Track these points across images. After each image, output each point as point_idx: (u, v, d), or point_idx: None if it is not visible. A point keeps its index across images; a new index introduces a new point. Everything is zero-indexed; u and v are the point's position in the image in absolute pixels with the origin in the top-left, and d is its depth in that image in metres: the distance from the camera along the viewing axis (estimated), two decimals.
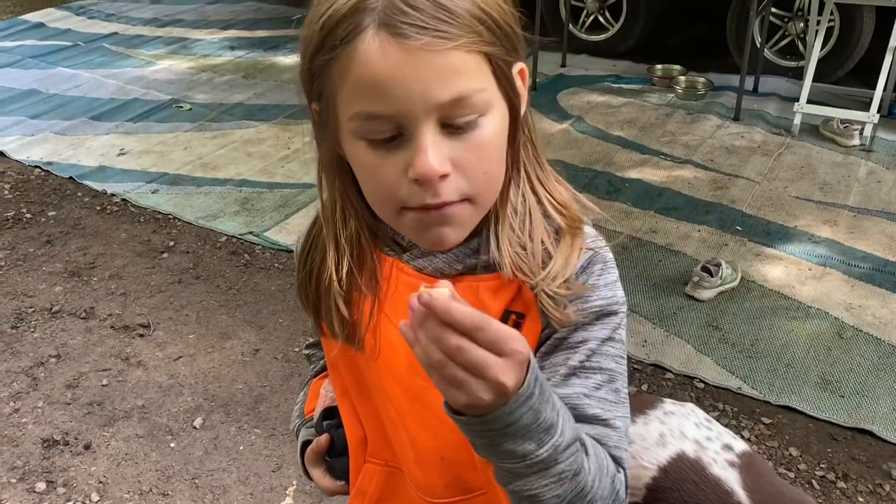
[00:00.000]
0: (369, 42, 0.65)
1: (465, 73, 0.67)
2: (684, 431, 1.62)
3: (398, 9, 0.64)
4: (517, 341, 0.61)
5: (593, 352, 0.79)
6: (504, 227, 0.79)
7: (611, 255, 0.82)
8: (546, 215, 0.80)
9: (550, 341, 0.79)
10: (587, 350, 0.78)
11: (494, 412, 0.62)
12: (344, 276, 0.83)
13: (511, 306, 0.80)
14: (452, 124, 0.68)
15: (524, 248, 0.79)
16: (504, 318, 0.79)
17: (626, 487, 0.78)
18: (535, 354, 0.76)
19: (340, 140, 0.74)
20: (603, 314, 0.79)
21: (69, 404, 2.62)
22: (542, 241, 0.79)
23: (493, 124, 0.71)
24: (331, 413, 1.04)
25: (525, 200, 0.80)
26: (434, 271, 0.81)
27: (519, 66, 0.74)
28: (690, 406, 1.63)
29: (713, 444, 1.62)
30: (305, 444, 1.04)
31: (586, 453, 0.70)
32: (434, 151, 0.67)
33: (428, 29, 0.64)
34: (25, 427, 2.52)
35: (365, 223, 0.82)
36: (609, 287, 0.80)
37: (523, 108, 0.77)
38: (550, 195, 0.82)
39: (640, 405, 1.59)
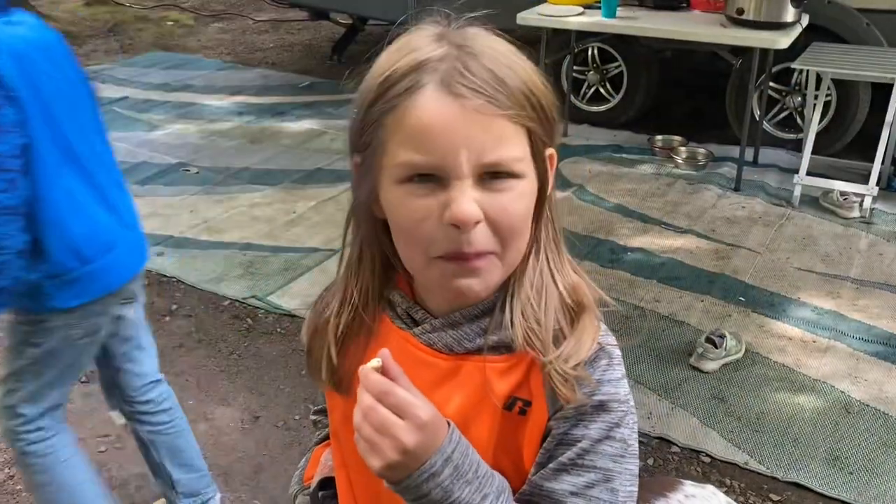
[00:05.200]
0: (428, 96, 0.71)
1: (508, 140, 0.73)
2: None
3: (459, 72, 0.71)
4: (419, 408, 0.70)
5: (586, 451, 0.79)
6: (519, 299, 0.81)
7: (618, 351, 0.83)
8: (560, 296, 0.82)
9: (551, 438, 0.80)
10: (580, 449, 0.79)
11: (405, 481, 0.70)
12: (342, 322, 0.87)
13: (518, 392, 0.80)
14: (489, 181, 0.73)
15: (538, 324, 0.79)
16: (510, 405, 0.80)
17: None
18: (540, 453, 0.80)
19: (379, 188, 0.77)
20: (602, 409, 0.80)
21: None
22: (557, 321, 0.80)
23: (523, 192, 0.75)
24: (328, 483, 1.03)
25: (542, 278, 0.82)
26: (444, 347, 0.82)
27: (550, 151, 0.79)
28: (711, 489, 1.61)
29: None
30: None
31: None
32: (467, 199, 0.72)
33: (483, 94, 0.70)
34: (20, 495, 2.46)
35: (377, 279, 0.86)
36: (612, 384, 0.81)
37: (549, 189, 0.80)
38: (564, 277, 0.83)
39: (659, 488, 1.57)
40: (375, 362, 0.72)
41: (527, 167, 0.76)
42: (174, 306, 3.39)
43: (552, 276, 0.83)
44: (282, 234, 3.98)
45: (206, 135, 5.39)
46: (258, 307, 3.35)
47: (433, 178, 0.73)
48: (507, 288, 0.81)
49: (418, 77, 0.72)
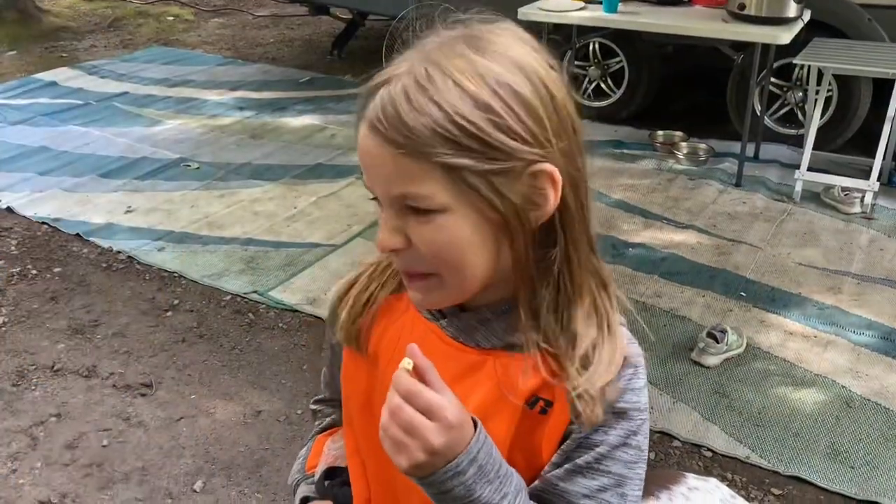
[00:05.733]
0: (363, 126, 0.76)
1: (411, 178, 0.73)
2: None
3: (380, 108, 0.74)
4: (447, 409, 0.71)
5: (603, 456, 0.81)
6: (540, 316, 0.81)
7: (643, 360, 0.85)
8: (587, 315, 0.82)
9: (570, 440, 0.82)
10: (598, 453, 0.80)
11: (430, 477, 0.72)
12: (372, 292, 0.93)
13: (540, 392, 0.81)
14: (413, 213, 0.75)
15: (563, 342, 0.80)
16: (532, 403, 0.81)
17: None
18: (557, 453, 0.82)
19: None
20: (622, 417, 0.81)
21: (68, 465, 2.59)
22: (582, 339, 0.80)
23: (445, 224, 0.75)
24: (333, 473, 1.05)
25: (556, 298, 0.82)
26: (470, 341, 0.84)
27: (538, 167, 0.75)
28: (714, 481, 1.62)
29: None
30: (304, 500, 1.06)
31: None
32: (387, 228, 0.77)
33: (386, 134, 0.73)
34: (22, 489, 2.49)
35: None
36: (635, 392, 0.82)
37: (538, 214, 0.77)
38: (586, 295, 0.82)
39: (663, 481, 1.58)
40: (407, 363, 0.73)
41: (450, 200, 0.74)
42: (176, 301, 3.41)
43: (574, 293, 0.82)
44: (283, 229, 4.00)
45: (206, 130, 5.41)
46: (259, 302, 3.37)
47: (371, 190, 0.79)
48: (520, 300, 0.82)
49: (366, 100, 0.76)
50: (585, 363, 0.79)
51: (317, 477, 1.06)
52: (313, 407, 1.18)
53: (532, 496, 0.81)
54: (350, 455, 0.99)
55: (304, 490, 1.08)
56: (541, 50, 0.78)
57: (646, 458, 0.84)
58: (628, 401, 0.81)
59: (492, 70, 0.73)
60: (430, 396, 0.71)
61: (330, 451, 1.09)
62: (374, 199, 0.79)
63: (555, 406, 0.81)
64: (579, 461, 0.81)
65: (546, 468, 0.82)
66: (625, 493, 0.82)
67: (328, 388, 1.13)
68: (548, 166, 0.75)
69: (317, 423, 1.16)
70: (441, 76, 0.72)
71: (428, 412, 0.71)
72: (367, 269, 0.95)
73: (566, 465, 0.81)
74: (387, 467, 0.79)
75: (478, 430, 0.75)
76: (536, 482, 0.82)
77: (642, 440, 0.83)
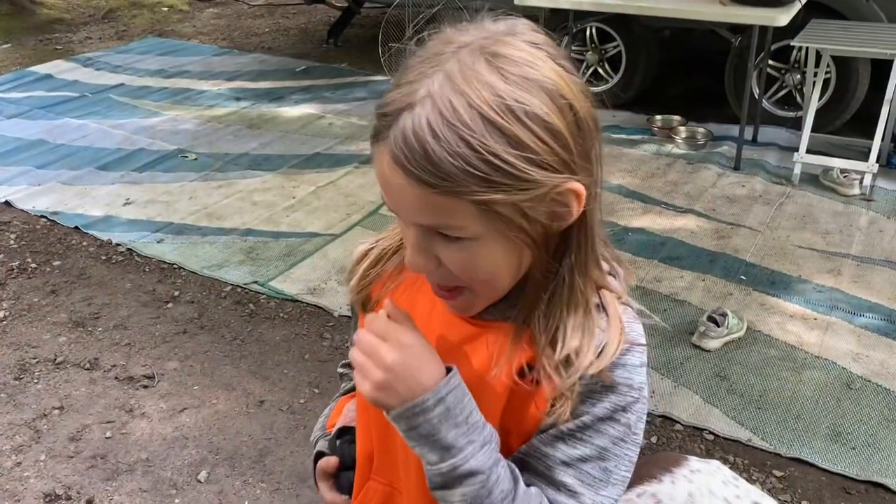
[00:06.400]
0: (383, 153, 0.74)
1: (443, 212, 0.73)
2: (713, 490, 1.61)
3: (403, 140, 0.71)
4: (402, 332, 0.78)
5: (587, 426, 0.82)
6: (534, 313, 0.83)
7: (643, 339, 0.85)
8: (576, 326, 0.83)
9: (554, 408, 0.84)
10: (581, 422, 0.82)
11: (397, 410, 0.77)
12: (384, 251, 0.96)
13: (532, 362, 0.82)
14: (441, 235, 0.76)
15: (538, 338, 0.82)
16: (522, 372, 0.83)
17: None
18: (546, 413, 0.83)
19: None
20: (611, 390, 0.82)
21: (72, 457, 2.61)
22: (568, 345, 0.82)
23: (478, 252, 0.77)
24: (345, 432, 1.11)
25: (561, 302, 0.83)
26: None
27: (566, 186, 0.76)
28: (716, 463, 1.64)
29: (742, 501, 1.62)
30: (318, 455, 1.12)
31: (513, 497, 0.80)
32: (416, 252, 0.78)
33: (414, 172, 0.71)
34: (27, 481, 2.50)
35: None
36: (628, 368, 0.83)
37: (563, 224, 0.79)
38: (592, 289, 0.84)
39: (665, 463, 1.60)
40: (381, 312, 0.81)
41: (481, 229, 0.75)
42: (176, 293, 3.42)
43: (571, 302, 0.84)
44: (282, 219, 4.02)
45: (203, 121, 5.43)
46: (260, 292, 3.38)
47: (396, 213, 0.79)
48: (528, 292, 0.84)
49: (386, 126, 0.74)
50: (566, 366, 0.80)
51: (334, 432, 1.11)
52: (340, 370, 1.22)
53: (515, 460, 0.83)
54: (359, 410, 1.03)
55: (321, 445, 1.13)
56: (556, 52, 0.77)
57: (638, 441, 0.84)
58: (620, 376, 0.82)
59: (518, 98, 0.72)
60: (384, 323, 0.79)
61: (348, 412, 1.13)
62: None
63: (544, 377, 0.83)
64: (563, 427, 0.82)
65: (534, 435, 0.84)
66: (608, 469, 0.83)
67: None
68: (573, 185, 0.76)
69: (342, 385, 1.21)
70: (467, 108, 0.71)
71: (383, 335, 0.78)
72: (380, 242, 0.97)
73: (551, 431, 0.83)
74: (388, 424, 0.83)
75: (450, 374, 0.78)
76: (522, 446, 0.84)
77: (633, 419, 0.83)
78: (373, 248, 0.99)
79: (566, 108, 0.74)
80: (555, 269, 0.82)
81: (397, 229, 0.95)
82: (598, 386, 0.81)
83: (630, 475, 0.86)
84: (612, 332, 0.82)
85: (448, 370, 0.80)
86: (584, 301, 0.83)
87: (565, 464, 0.83)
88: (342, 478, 1.10)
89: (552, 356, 0.81)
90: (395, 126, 0.72)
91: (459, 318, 0.87)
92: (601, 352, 0.81)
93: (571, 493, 0.83)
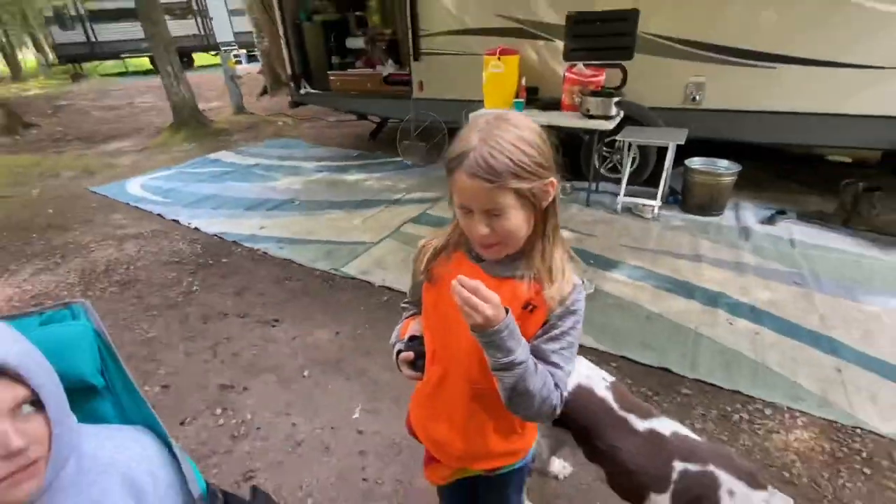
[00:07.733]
0: (462, 174, 1.13)
1: (498, 197, 1.11)
2: (579, 370, 2.04)
3: (475, 162, 1.10)
4: (496, 298, 1.11)
5: (564, 332, 1.23)
6: (534, 259, 1.23)
7: (581, 284, 1.26)
8: (559, 258, 1.25)
9: (545, 326, 1.23)
10: (560, 330, 1.23)
11: (486, 332, 1.12)
12: (440, 245, 1.34)
13: (532, 300, 1.24)
14: (493, 215, 1.14)
15: (545, 272, 1.20)
16: (526, 306, 1.22)
17: (561, 400, 1.22)
18: (539, 331, 1.22)
19: (454, 201, 1.25)
20: (573, 313, 1.23)
21: (234, 365, 3.29)
22: (555, 270, 1.22)
23: (512, 217, 1.13)
24: (414, 338, 1.45)
25: (548, 246, 1.23)
26: (495, 273, 1.28)
27: (548, 180, 1.14)
28: (579, 357, 1.96)
29: (594, 371, 2.07)
30: (398, 352, 1.48)
31: (536, 372, 1.16)
32: (482, 226, 1.14)
33: (481, 178, 1.10)
34: (209, 378, 3.18)
35: (462, 235, 1.33)
36: (579, 302, 1.25)
37: (546, 203, 1.17)
38: (559, 247, 1.28)
39: None
40: (463, 277, 1.05)
41: (515, 204, 1.10)
42: (290, 275, 4.40)
43: (552, 245, 1.23)
44: (347, 235, 5.20)
45: (304, 183, 6.86)
46: (336, 274, 4.40)
47: (467, 207, 1.13)
48: (530, 253, 1.22)
49: (461, 161, 1.11)
50: (554, 281, 1.19)
51: (406, 339, 1.44)
52: (403, 304, 1.57)
53: None
54: (425, 329, 1.40)
55: (398, 346, 1.47)
56: (530, 120, 1.15)
57: (580, 338, 1.23)
58: (576, 305, 1.22)
59: (524, 135, 1.11)
60: (486, 291, 1.10)
61: (414, 327, 1.46)
62: (461, 209, 1.12)
63: (538, 308, 1.24)
64: (550, 333, 1.21)
65: (534, 339, 1.24)
66: (572, 353, 1.23)
67: (411, 295, 1.56)
68: (552, 178, 1.16)
69: (405, 313, 1.56)
70: (504, 142, 1.08)
71: (486, 300, 1.10)
72: (432, 241, 1.30)
73: (545, 335, 1.20)
74: (444, 333, 1.20)
75: (509, 314, 1.13)
76: (528, 345, 1.20)
77: (580, 327, 1.22)
78: (428, 244, 1.29)
79: (544, 139, 1.13)
80: (542, 230, 1.17)
81: (439, 232, 1.28)
82: (566, 311, 1.20)
83: (575, 357, 1.20)
84: (569, 272, 1.21)
85: (506, 310, 1.10)
86: (560, 245, 1.20)
87: (554, 352, 1.20)
88: (417, 364, 1.40)
89: (550, 280, 1.16)
90: (467, 158, 1.06)
91: (489, 277, 1.21)
92: (566, 283, 1.17)
93: (555, 366, 1.22)
